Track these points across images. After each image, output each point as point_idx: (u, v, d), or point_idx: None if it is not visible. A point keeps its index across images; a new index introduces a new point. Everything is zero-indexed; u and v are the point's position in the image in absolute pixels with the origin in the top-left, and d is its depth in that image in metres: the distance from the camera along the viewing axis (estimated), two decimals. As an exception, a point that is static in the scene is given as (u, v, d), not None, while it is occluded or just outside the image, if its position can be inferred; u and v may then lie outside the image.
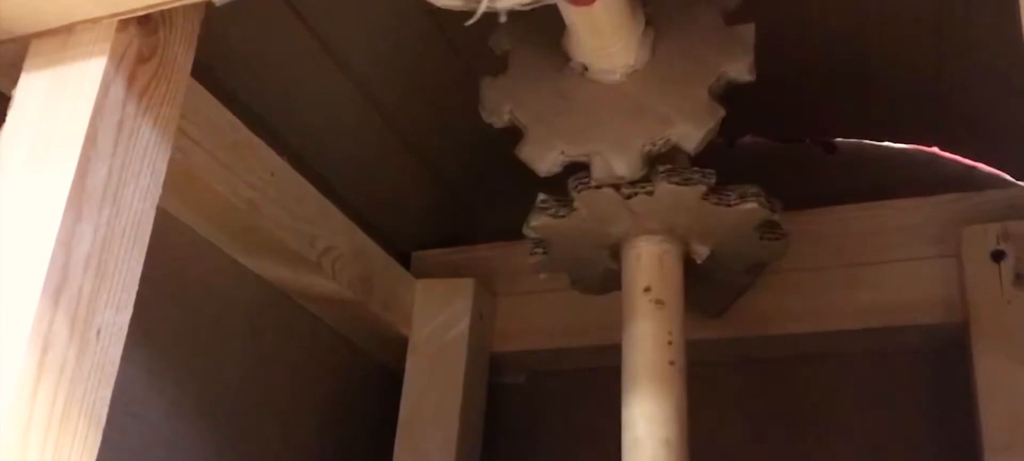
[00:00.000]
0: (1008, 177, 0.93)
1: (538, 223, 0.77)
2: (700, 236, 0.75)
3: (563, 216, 0.75)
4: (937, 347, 0.86)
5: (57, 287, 0.50)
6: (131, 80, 0.55)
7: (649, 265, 0.75)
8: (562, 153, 0.73)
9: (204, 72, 0.73)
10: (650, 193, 0.72)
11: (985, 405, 0.76)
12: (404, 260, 1.02)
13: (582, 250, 0.79)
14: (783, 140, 1.02)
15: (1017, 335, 0.76)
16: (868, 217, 0.88)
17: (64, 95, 0.54)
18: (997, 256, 0.80)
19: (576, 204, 0.74)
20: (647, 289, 0.73)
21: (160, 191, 0.57)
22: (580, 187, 0.72)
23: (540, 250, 0.81)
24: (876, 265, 0.86)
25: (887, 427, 0.87)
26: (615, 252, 0.78)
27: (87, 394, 0.52)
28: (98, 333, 0.53)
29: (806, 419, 0.90)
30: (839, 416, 0.89)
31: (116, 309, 0.54)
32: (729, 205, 0.72)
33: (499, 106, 0.75)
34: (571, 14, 0.66)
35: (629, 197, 0.72)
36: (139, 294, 0.55)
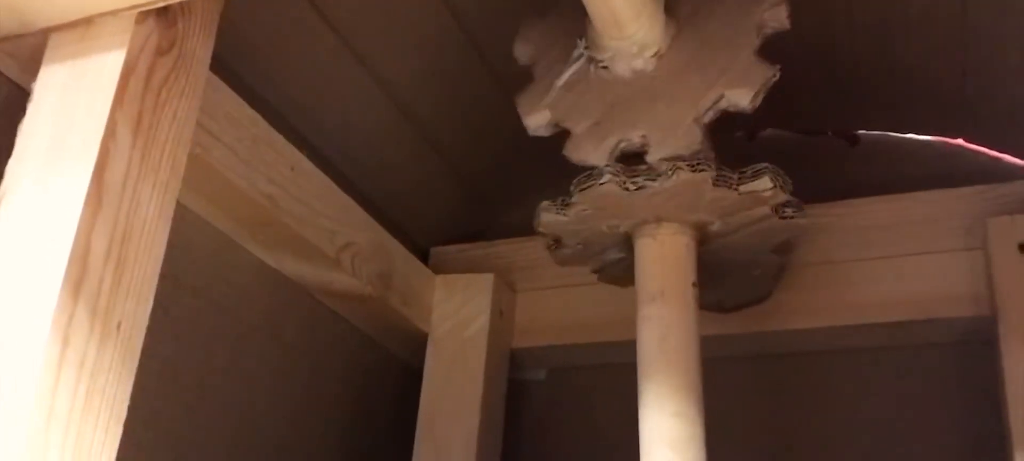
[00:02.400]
0: (1035, 168, 0.91)
1: (545, 220, 0.77)
2: (714, 223, 0.75)
3: (565, 215, 0.75)
4: (964, 341, 0.84)
5: (77, 280, 0.50)
6: (150, 73, 0.55)
7: (660, 254, 0.74)
8: (617, 143, 0.72)
9: (223, 67, 0.73)
10: (651, 185, 0.71)
11: (1013, 399, 0.74)
12: (423, 256, 1.01)
13: (598, 244, 0.79)
14: (805, 132, 1.01)
15: (1046, 328, 0.75)
16: (892, 209, 0.87)
17: (83, 88, 0.54)
18: (1025, 248, 0.78)
19: (578, 202, 0.73)
20: (659, 288, 0.73)
21: (179, 184, 0.57)
22: (583, 186, 0.72)
23: (555, 245, 0.80)
24: (901, 258, 0.85)
25: (912, 422, 0.86)
26: (627, 244, 0.77)
27: (108, 386, 0.52)
28: (119, 326, 0.53)
29: (830, 414, 0.89)
30: (864, 411, 0.87)
31: (137, 301, 0.54)
32: (734, 187, 0.71)
33: (540, 117, 0.75)
34: (594, 5, 0.65)
35: (631, 191, 0.71)
36: (159, 289, 0.56)
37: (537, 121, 0.75)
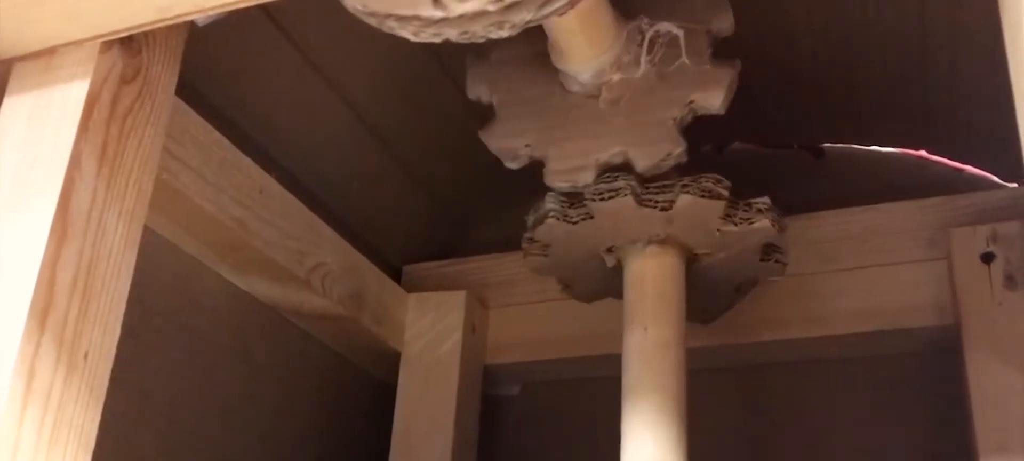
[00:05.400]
0: (996, 179, 0.93)
1: (545, 227, 0.76)
2: (705, 246, 0.76)
3: (575, 222, 0.74)
4: (929, 350, 0.86)
5: (43, 311, 0.50)
6: (115, 102, 0.55)
7: (652, 274, 0.75)
8: (596, 160, 0.73)
9: (190, 91, 0.73)
10: (669, 204, 0.71)
11: (978, 407, 0.76)
12: (396, 274, 1.02)
13: (581, 257, 0.79)
14: (771, 146, 1.02)
15: (1008, 336, 0.76)
16: (857, 221, 0.88)
17: (48, 118, 0.54)
18: (987, 258, 0.80)
19: (592, 212, 0.73)
20: (649, 308, 0.73)
21: (145, 212, 0.57)
22: (604, 195, 0.72)
23: (542, 254, 0.80)
24: (866, 269, 0.86)
25: (880, 431, 0.87)
26: (618, 260, 0.78)
27: (76, 417, 0.52)
28: (86, 355, 0.52)
29: (798, 424, 0.90)
30: (832, 421, 0.89)
31: (103, 331, 0.54)
32: (736, 224, 0.72)
33: (513, 151, 0.75)
34: (556, 30, 0.66)
35: (647, 207, 0.71)
36: (128, 315, 0.55)
37: (510, 151, 0.75)
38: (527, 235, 0.79)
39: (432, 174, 1.01)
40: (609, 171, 0.72)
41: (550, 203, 0.76)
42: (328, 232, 0.86)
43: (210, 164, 0.72)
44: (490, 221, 1.04)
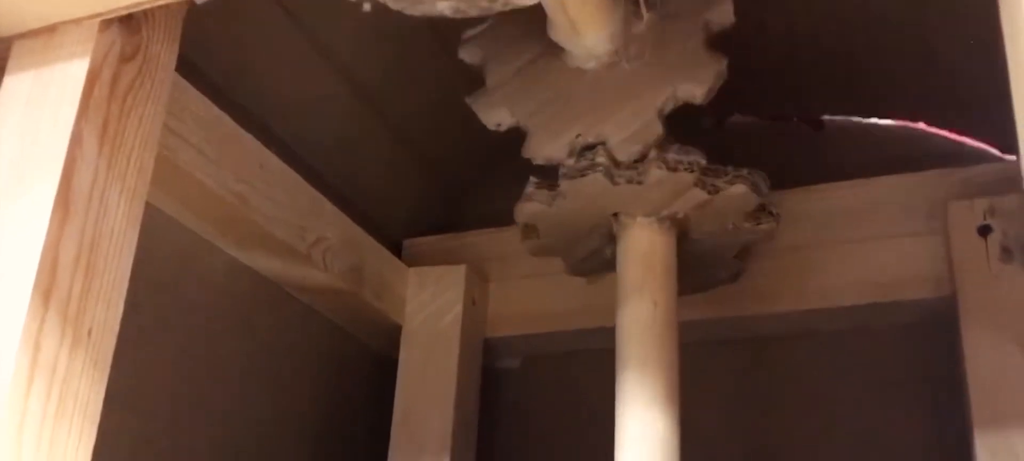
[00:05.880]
0: (995, 151, 0.93)
1: (528, 210, 0.77)
2: (694, 218, 0.76)
3: (552, 204, 0.76)
4: (926, 323, 0.86)
5: (47, 289, 0.51)
6: (115, 80, 0.55)
7: (643, 248, 0.75)
8: (576, 137, 0.73)
9: (189, 67, 0.73)
10: (640, 181, 0.72)
11: (972, 379, 0.76)
12: (396, 248, 1.02)
13: (574, 235, 0.80)
14: (771, 118, 1.02)
15: (1004, 309, 0.77)
16: (855, 194, 0.88)
17: (48, 97, 0.54)
18: (983, 231, 0.80)
19: (565, 192, 0.74)
20: (640, 283, 0.74)
21: (147, 189, 0.58)
22: (571, 175, 0.73)
23: (533, 236, 0.81)
24: (864, 242, 0.87)
25: (876, 403, 0.88)
26: (610, 236, 0.78)
27: (81, 392, 0.52)
28: (89, 332, 0.53)
29: (794, 397, 0.91)
30: (828, 393, 0.89)
31: (107, 307, 0.54)
32: (716, 191, 0.72)
33: (497, 118, 0.76)
34: (552, 6, 0.66)
35: (619, 183, 0.72)
36: (132, 290, 0.56)
37: (495, 119, 0.76)
38: (516, 219, 0.80)
39: (432, 148, 1.01)
40: (587, 149, 0.73)
41: (530, 186, 0.77)
42: (328, 207, 0.86)
43: (210, 140, 0.72)
44: (490, 195, 1.04)
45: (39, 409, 0.50)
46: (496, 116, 0.76)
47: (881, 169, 0.90)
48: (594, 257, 0.81)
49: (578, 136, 0.73)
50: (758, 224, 0.76)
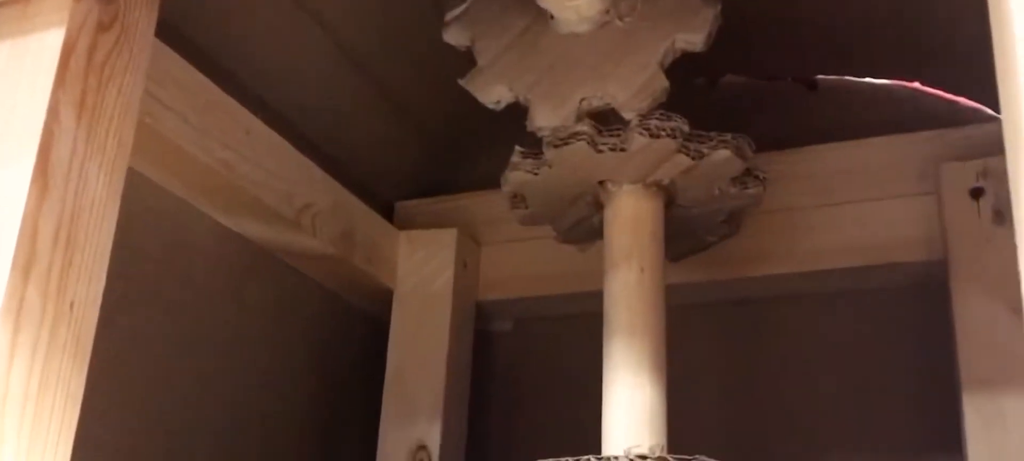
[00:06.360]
0: (990, 111, 0.92)
1: (514, 179, 0.77)
2: (680, 183, 0.75)
3: (537, 173, 0.75)
4: (918, 285, 0.86)
5: (26, 264, 0.50)
6: (92, 50, 0.55)
7: (629, 215, 0.75)
8: (580, 102, 0.72)
9: (172, 32, 0.72)
10: (623, 148, 0.71)
11: (962, 341, 0.76)
12: (388, 212, 1.02)
13: (561, 204, 0.79)
14: (765, 78, 1.01)
15: (995, 272, 0.76)
16: (847, 156, 0.87)
17: (24, 68, 0.53)
18: (976, 193, 0.80)
19: (549, 160, 0.74)
20: (627, 251, 0.73)
21: (127, 161, 0.57)
22: (554, 144, 0.72)
23: (518, 204, 0.80)
24: (857, 204, 0.86)
25: (867, 365, 0.88)
26: (597, 204, 0.78)
27: (63, 366, 0.52)
28: (71, 306, 0.53)
29: (786, 359, 0.91)
30: (819, 356, 0.89)
31: (89, 281, 0.54)
32: (700, 156, 0.72)
33: (496, 95, 0.75)
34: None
35: (602, 151, 0.71)
36: (120, 259, 0.56)
37: (494, 96, 0.75)
38: (503, 189, 0.79)
39: (422, 111, 1.00)
40: (592, 114, 0.72)
41: (515, 156, 0.76)
42: (317, 172, 0.86)
43: (194, 107, 0.72)
44: (482, 157, 1.03)
45: (21, 385, 0.49)
46: (495, 94, 0.75)
47: (876, 130, 0.89)
48: (582, 225, 0.81)
49: (583, 100, 0.72)
50: (745, 189, 0.75)
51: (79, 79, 0.54)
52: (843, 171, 0.87)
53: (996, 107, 0.92)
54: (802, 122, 0.96)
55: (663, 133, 0.70)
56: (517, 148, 0.77)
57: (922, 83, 0.95)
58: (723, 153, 0.72)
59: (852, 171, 0.87)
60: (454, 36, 0.77)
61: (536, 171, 0.75)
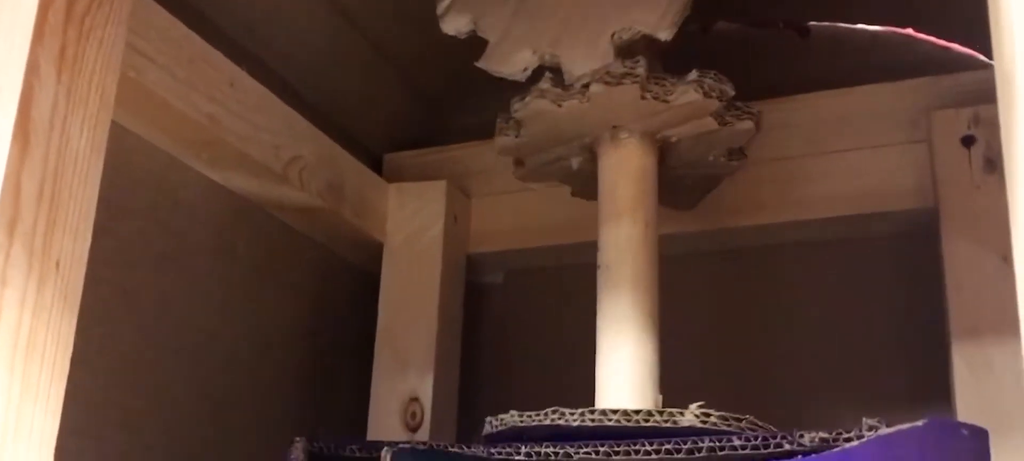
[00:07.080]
0: (983, 57, 0.91)
1: (500, 144, 0.76)
2: (685, 143, 0.75)
3: (561, 105, 0.73)
4: (908, 233, 0.86)
5: (10, 222, 0.50)
6: (71, 3, 0.53)
7: (618, 165, 0.74)
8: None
9: (154, -17, 0.71)
10: (666, 100, 0.70)
11: (952, 290, 0.76)
12: (377, 163, 1.01)
13: (557, 141, 0.78)
14: (757, 25, 1.00)
15: (986, 221, 0.76)
16: (838, 103, 0.87)
17: (1, 23, 0.52)
18: (967, 141, 0.79)
19: (522, 120, 0.73)
20: (619, 205, 0.73)
21: (111, 116, 0.56)
22: (518, 108, 0.71)
23: (514, 134, 0.79)
24: (847, 152, 0.86)
25: (857, 313, 0.88)
26: (589, 149, 0.77)
27: (51, 325, 0.52)
28: (57, 264, 0.52)
29: (777, 309, 0.91)
30: (810, 305, 0.90)
31: (74, 237, 0.53)
32: (726, 124, 0.71)
33: (521, 63, 0.74)
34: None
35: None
36: (105, 214, 0.55)
37: (520, 66, 0.73)
38: (510, 112, 0.77)
39: (410, 61, 0.99)
40: (625, 47, 0.71)
41: (499, 121, 0.75)
42: (304, 124, 0.85)
43: (178, 60, 0.71)
44: (471, 108, 1.02)
45: (8, 348, 0.49)
46: (519, 62, 0.73)
47: (868, 77, 0.88)
48: (555, 165, 0.80)
49: (614, 34, 0.70)
50: (724, 124, 0.74)
51: (58, 34, 0.52)
52: (834, 119, 0.87)
53: (989, 53, 0.92)
54: (795, 70, 0.95)
55: (713, 95, 0.69)
56: (500, 115, 0.76)
57: (916, 29, 0.94)
58: (747, 124, 0.71)
59: (843, 119, 0.86)
60: (453, 24, 0.75)
61: (560, 102, 0.73)
